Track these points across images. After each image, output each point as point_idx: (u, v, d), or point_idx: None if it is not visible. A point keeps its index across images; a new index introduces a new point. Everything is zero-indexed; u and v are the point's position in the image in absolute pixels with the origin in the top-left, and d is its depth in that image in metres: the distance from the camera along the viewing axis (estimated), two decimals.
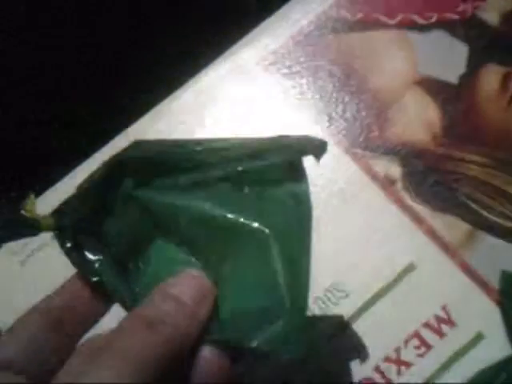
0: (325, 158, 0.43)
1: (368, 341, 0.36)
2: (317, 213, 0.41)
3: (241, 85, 0.46)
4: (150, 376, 0.21)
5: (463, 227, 0.39)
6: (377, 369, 0.35)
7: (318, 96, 0.45)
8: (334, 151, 0.43)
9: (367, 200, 0.41)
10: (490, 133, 0.41)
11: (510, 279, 0.36)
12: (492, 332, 0.35)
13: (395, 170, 0.41)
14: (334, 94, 0.45)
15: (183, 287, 0.25)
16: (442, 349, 0.35)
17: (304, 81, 0.46)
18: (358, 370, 0.35)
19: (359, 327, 0.37)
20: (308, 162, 0.43)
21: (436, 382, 0.34)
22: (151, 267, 0.26)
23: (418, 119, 0.42)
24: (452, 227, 0.39)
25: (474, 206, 0.39)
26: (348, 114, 0.44)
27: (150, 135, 0.44)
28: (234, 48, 0.48)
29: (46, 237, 0.40)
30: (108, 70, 0.49)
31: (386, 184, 0.41)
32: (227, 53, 0.48)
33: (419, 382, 0.35)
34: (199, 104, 0.46)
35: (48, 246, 0.40)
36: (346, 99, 0.45)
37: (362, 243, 0.39)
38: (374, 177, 0.41)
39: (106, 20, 0.50)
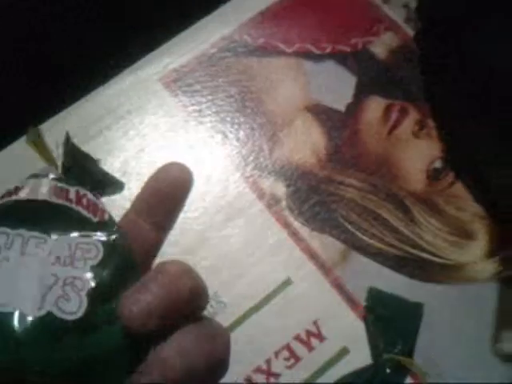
0: (215, 174, 0.45)
1: (242, 351, 0.37)
2: (204, 227, 0.43)
3: (141, 99, 0.47)
4: None
5: (338, 247, 0.41)
6: (247, 379, 0.37)
7: (215, 115, 0.47)
8: (225, 168, 0.44)
9: (252, 217, 0.42)
10: (369, 160, 0.44)
11: (376, 295, 0.38)
12: (356, 346, 0.37)
13: (280, 190, 0.43)
14: (230, 114, 0.47)
15: None
16: (310, 361, 0.37)
17: (203, 99, 0.47)
18: (229, 380, 0.36)
19: (235, 338, 0.38)
20: (198, 176, 0.45)
21: None
22: None
23: (305, 143, 0.45)
24: (328, 246, 0.41)
25: (349, 226, 0.41)
26: (241, 134, 0.46)
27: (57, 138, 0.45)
28: (138, 64, 0.49)
29: None
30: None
31: (271, 202, 0.43)
32: (130, 68, 0.49)
33: None
34: (97, 116, 0.47)
35: None
36: (241, 120, 0.46)
37: (243, 257, 0.41)
38: (260, 195, 0.43)
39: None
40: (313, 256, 0.41)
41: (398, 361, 0.35)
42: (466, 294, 0.39)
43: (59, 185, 0.28)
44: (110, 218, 0.28)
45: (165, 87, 0.48)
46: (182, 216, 0.46)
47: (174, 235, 0.42)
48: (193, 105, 0.47)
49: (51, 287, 0.26)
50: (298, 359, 0.37)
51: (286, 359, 0.37)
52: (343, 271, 0.40)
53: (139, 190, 0.30)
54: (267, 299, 0.39)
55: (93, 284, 0.26)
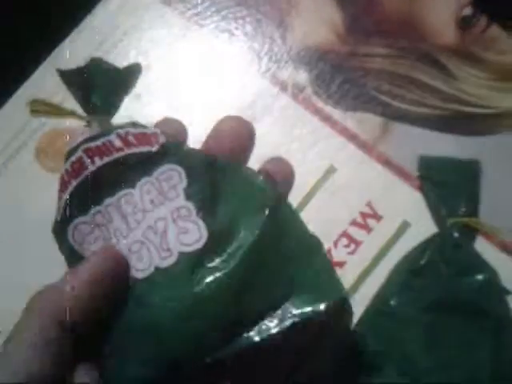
0: (228, 76, 0.42)
1: None
2: None
3: (134, 17, 0.44)
4: None
5: (376, 121, 0.38)
6: None
7: (215, 14, 0.43)
8: (237, 67, 0.41)
9: (279, 111, 0.40)
10: (391, 22, 0.40)
11: (428, 162, 0.36)
12: (417, 218, 0.35)
13: (303, 76, 0.40)
14: (231, 10, 0.43)
15: None
16: (372, 243, 0.35)
17: (199, 1, 0.44)
18: None
19: None
20: (211, 82, 0.42)
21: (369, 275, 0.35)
22: None
23: (318, 21, 0.41)
24: (365, 123, 0.38)
25: (383, 97, 0.38)
26: (248, 28, 0.42)
27: (48, 85, 0.42)
28: None
29: None
30: None
31: (296, 91, 0.40)
32: None
33: (353, 278, 0.34)
34: (95, 45, 0.44)
35: None
36: (244, 13, 0.43)
37: (279, 154, 0.38)
38: (282, 87, 0.40)
39: None
40: (352, 137, 0.38)
41: (465, 223, 0.33)
42: None
43: (97, 143, 0.26)
44: (166, 137, 0.27)
45: None
46: (204, 127, 0.43)
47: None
48: (189, 9, 0.44)
49: (166, 230, 0.25)
50: (358, 243, 0.35)
51: (346, 246, 0.35)
52: (387, 145, 0.37)
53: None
54: (314, 191, 0.37)
55: (196, 203, 0.25)
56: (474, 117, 0.37)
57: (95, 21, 0.44)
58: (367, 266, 0.35)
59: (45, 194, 0.39)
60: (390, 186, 0.36)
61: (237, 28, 0.43)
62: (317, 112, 0.39)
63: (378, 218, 0.36)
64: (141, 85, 0.42)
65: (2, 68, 0.43)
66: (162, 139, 0.27)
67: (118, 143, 0.26)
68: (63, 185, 0.26)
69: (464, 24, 0.39)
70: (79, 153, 0.26)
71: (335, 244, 0.35)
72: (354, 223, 0.36)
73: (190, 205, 0.25)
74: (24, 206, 0.39)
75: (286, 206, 0.27)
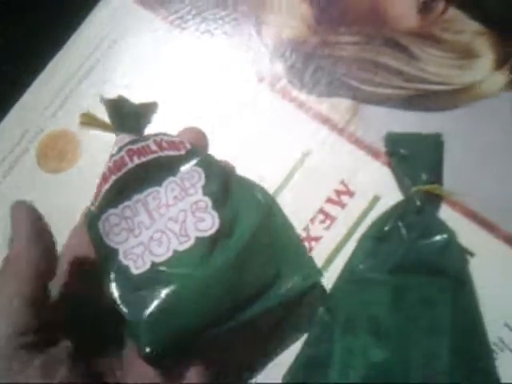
0: (210, 72, 0.45)
1: None
2: (212, 124, 0.44)
3: (122, 24, 0.47)
4: None
5: (347, 104, 0.40)
6: None
7: (196, 17, 0.46)
8: (217, 63, 0.44)
9: (258, 101, 0.42)
10: (358, 11, 0.42)
11: (394, 138, 0.38)
12: (387, 191, 0.38)
13: (279, 67, 0.43)
14: (211, 11, 0.46)
15: None
16: (346, 217, 0.38)
17: (182, 5, 0.47)
18: None
19: None
20: (194, 79, 0.44)
21: (343, 248, 0.37)
22: None
23: (290, 15, 0.44)
24: (337, 107, 0.41)
25: (353, 82, 0.41)
26: (226, 27, 0.45)
27: (45, 96, 0.45)
28: None
29: None
30: None
31: (273, 82, 0.43)
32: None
33: (328, 251, 0.37)
34: (87, 53, 0.47)
35: None
36: (223, 13, 0.46)
37: (260, 141, 0.41)
38: (260, 78, 0.43)
39: None
40: (325, 121, 0.40)
41: (426, 189, 0.35)
42: (483, 111, 0.38)
43: (138, 146, 0.31)
44: (191, 144, 0.32)
45: (141, 6, 0.47)
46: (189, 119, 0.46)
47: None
48: (172, 14, 0.47)
49: (185, 220, 0.30)
50: (333, 219, 0.38)
51: (322, 222, 0.38)
52: (357, 126, 0.40)
53: None
54: (291, 174, 0.40)
55: (211, 197, 0.31)
56: (436, 94, 0.39)
57: (85, 32, 0.47)
58: (341, 239, 0.37)
59: (47, 194, 0.42)
60: (361, 163, 0.39)
61: (216, 28, 0.45)
62: (292, 100, 0.42)
63: (350, 194, 0.38)
64: (133, 86, 0.46)
65: (2, 80, 0.46)
66: (188, 146, 0.32)
67: (153, 147, 0.31)
68: (104, 180, 0.31)
69: (424, 7, 0.41)
70: (122, 153, 0.31)
71: (312, 221, 0.38)
72: (329, 200, 0.38)
73: (207, 199, 0.30)
74: None
75: (276, 207, 0.32)
